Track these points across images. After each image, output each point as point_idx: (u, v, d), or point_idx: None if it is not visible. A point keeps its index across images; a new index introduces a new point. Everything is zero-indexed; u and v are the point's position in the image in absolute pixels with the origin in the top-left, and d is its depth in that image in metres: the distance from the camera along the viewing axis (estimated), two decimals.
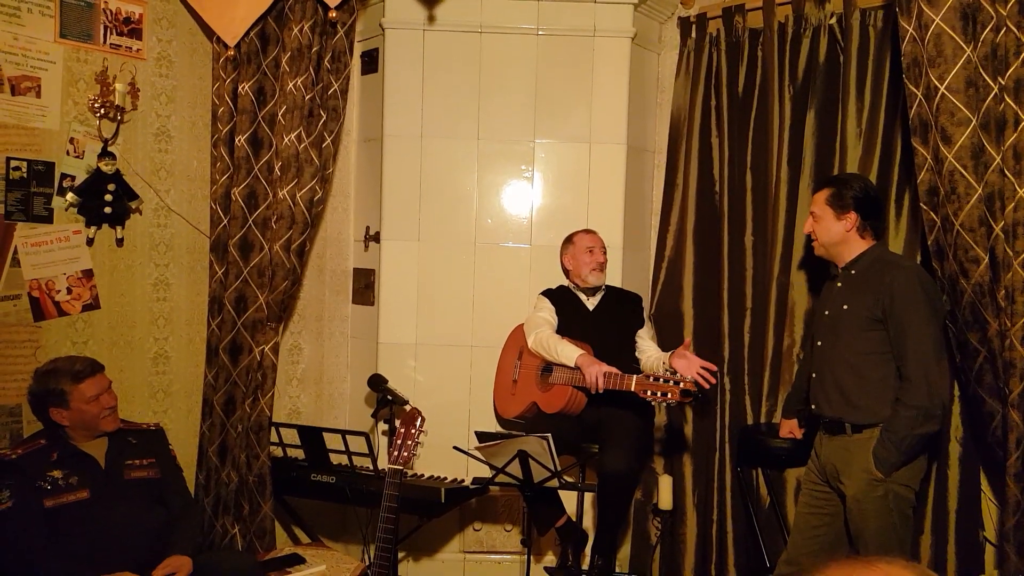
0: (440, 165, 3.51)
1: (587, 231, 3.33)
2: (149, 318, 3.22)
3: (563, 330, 3.19)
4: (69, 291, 2.96)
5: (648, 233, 3.76)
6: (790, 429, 3.00)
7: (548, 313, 3.22)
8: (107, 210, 2.99)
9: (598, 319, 3.24)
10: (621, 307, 3.29)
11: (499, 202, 3.53)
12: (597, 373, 2.87)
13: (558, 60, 3.47)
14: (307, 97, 3.10)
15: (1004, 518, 2.52)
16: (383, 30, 3.49)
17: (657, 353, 3.15)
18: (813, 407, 2.69)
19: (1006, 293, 2.40)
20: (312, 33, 3.09)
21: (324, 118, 3.18)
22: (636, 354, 3.21)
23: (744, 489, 3.28)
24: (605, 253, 3.29)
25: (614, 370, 2.87)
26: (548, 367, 3.15)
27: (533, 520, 3.12)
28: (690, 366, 2.81)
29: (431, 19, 3.43)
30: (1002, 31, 2.35)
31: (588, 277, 3.23)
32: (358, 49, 3.62)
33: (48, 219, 2.89)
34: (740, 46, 3.42)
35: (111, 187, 2.98)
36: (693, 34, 3.55)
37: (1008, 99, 2.36)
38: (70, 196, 2.92)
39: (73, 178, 2.93)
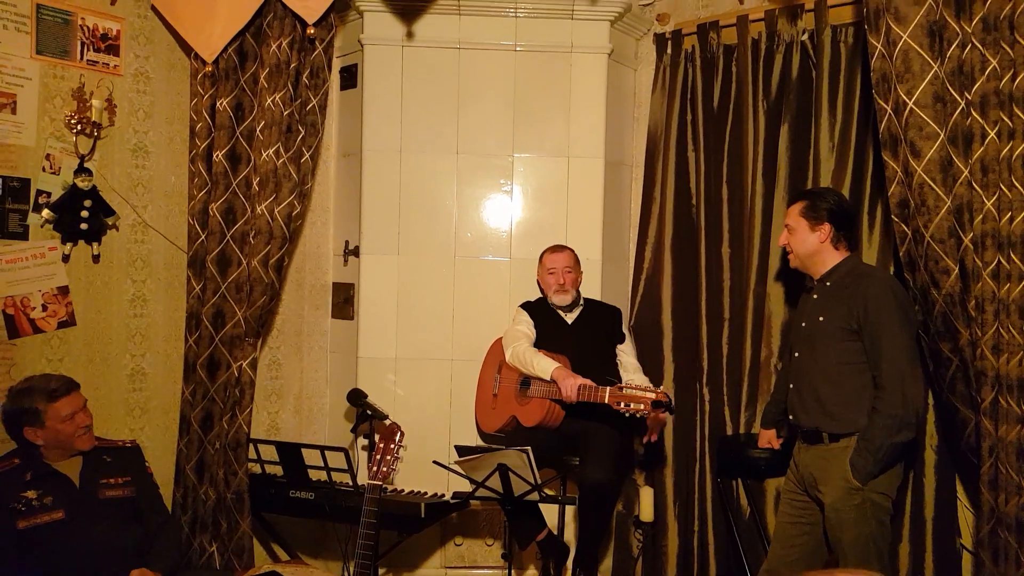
0: (419, 179, 3.52)
1: (554, 250, 3.30)
2: (126, 334, 3.19)
3: (541, 343, 3.20)
4: (44, 308, 2.93)
5: (627, 246, 3.79)
6: (768, 439, 3.02)
7: (526, 326, 3.23)
8: (83, 226, 2.96)
9: (576, 333, 3.25)
10: (600, 320, 3.30)
11: (478, 216, 3.54)
12: (572, 385, 2.90)
13: (536, 75, 3.51)
14: (285, 113, 3.10)
15: (980, 525, 2.55)
16: (362, 46, 3.51)
17: (641, 380, 3.15)
18: (791, 417, 2.72)
19: (976, 303, 2.45)
20: (290, 49, 3.10)
21: (303, 133, 3.18)
22: (620, 371, 3.23)
23: (724, 500, 3.29)
24: (573, 270, 3.26)
25: (589, 382, 2.89)
26: (526, 381, 3.16)
27: (514, 534, 3.11)
28: None
29: (410, 35, 3.46)
30: (968, 48, 2.41)
31: (552, 297, 3.25)
32: (337, 65, 3.63)
33: (23, 236, 2.86)
34: (715, 62, 3.48)
35: (87, 203, 2.95)
36: (669, 50, 3.60)
37: (975, 114, 2.41)
38: (46, 212, 2.89)
39: (49, 194, 2.91)
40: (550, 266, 3.27)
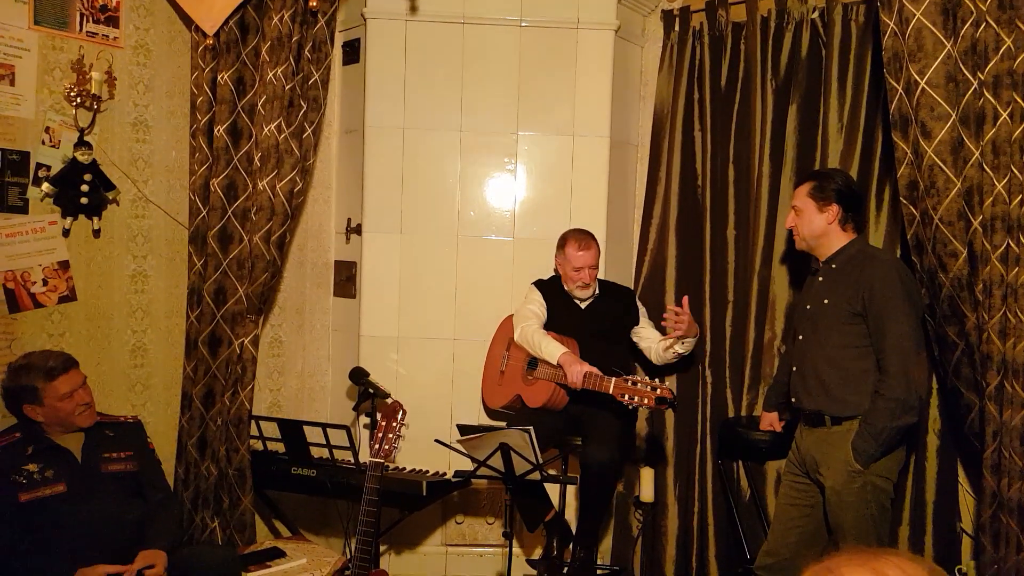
0: (422, 157, 3.48)
1: (582, 244, 3.14)
2: (127, 310, 3.17)
3: (552, 325, 3.18)
4: (45, 283, 2.91)
5: (631, 226, 3.76)
6: (770, 422, 3.01)
7: (537, 306, 3.21)
8: (83, 200, 2.94)
9: (588, 318, 3.21)
10: (613, 305, 3.26)
11: (482, 194, 3.51)
12: (578, 372, 2.88)
13: (541, 52, 3.46)
14: (287, 87, 3.07)
15: (981, 509, 2.55)
16: (365, 20, 3.46)
17: (657, 338, 3.15)
18: (793, 400, 2.71)
19: (984, 287, 2.43)
20: (292, 22, 3.05)
21: (304, 108, 3.14)
22: (643, 347, 3.22)
23: (725, 481, 3.30)
24: (597, 266, 3.18)
25: (595, 370, 2.87)
26: (533, 361, 3.15)
27: (523, 516, 3.11)
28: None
29: (413, 9, 3.40)
30: (982, 26, 2.37)
31: (574, 291, 3.19)
32: (339, 39, 3.59)
33: (23, 209, 2.84)
34: (723, 39, 3.42)
35: (87, 177, 2.93)
36: (676, 27, 3.55)
37: (987, 94, 2.38)
38: (46, 186, 2.86)
39: (49, 168, 2.88)
40: (577, 264, 3.12)
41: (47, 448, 2.51)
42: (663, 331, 3.08)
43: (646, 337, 3.23)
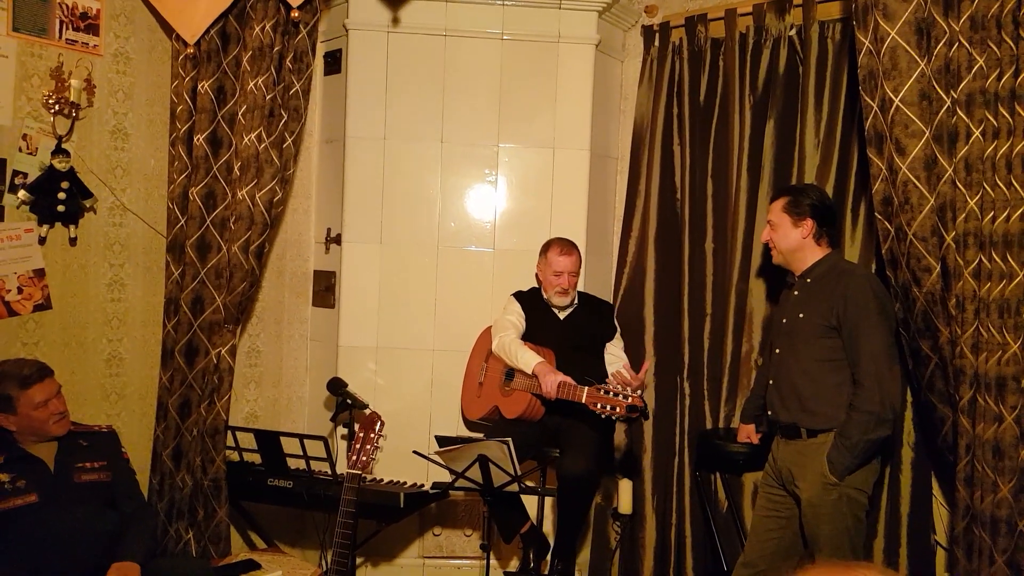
0: (403, 167, 3.49)
1: (564, 250, 3.20)
2: (103, 319, 3.14)
3: (530, 336, 3.19)
4: (20, 291, 2.87)
5: (611, 239, 3.78)
6: (747, 434, 3.03)
7: (516, 317, 3.22)
8: (60, 208, 2.91)
9: (566, 329, 3.23)
10: (591, 317, 3.28)
11: (462, 206, 3.52)
12: (552, 382, 2.90)
13: (522, 65, 3.48)
14: (268, 97, 3.06)
15: (954, 522, 2.57)
16: (347, 31, 3.47)
17: (621, 362, 3.18)
18: (770, 412, 2.73)
19: (957, 302, 2.46)
20: (274, 32, 3.06)
21: (285, 118, 3.14)
22: (607, 369, 3.22)
23: (702, 493, 3.31)
24: (577, 274, 3.22)
25: (569, 380, 2.89)
26: (510, 372, 3.16)
27: (498, 527, 3.10)
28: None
29: (395, 21, 3.42)
30: (955, 46, 2.41)
31: (552, 298, 3.22)
32: (321, 49, 3.59)
33: None
34: (702, 55, 3.46)
35: (65, 185, 2.90)
36: (656, 42, 3.58)
37: (960, 112, 2.42)
38: (22, 194, 2.84)
39: (25, 175, 2.85)
40: (557, 268, 3.17)
41: (19, 457, 2.47)
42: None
43: (612, 356, 3.24)
